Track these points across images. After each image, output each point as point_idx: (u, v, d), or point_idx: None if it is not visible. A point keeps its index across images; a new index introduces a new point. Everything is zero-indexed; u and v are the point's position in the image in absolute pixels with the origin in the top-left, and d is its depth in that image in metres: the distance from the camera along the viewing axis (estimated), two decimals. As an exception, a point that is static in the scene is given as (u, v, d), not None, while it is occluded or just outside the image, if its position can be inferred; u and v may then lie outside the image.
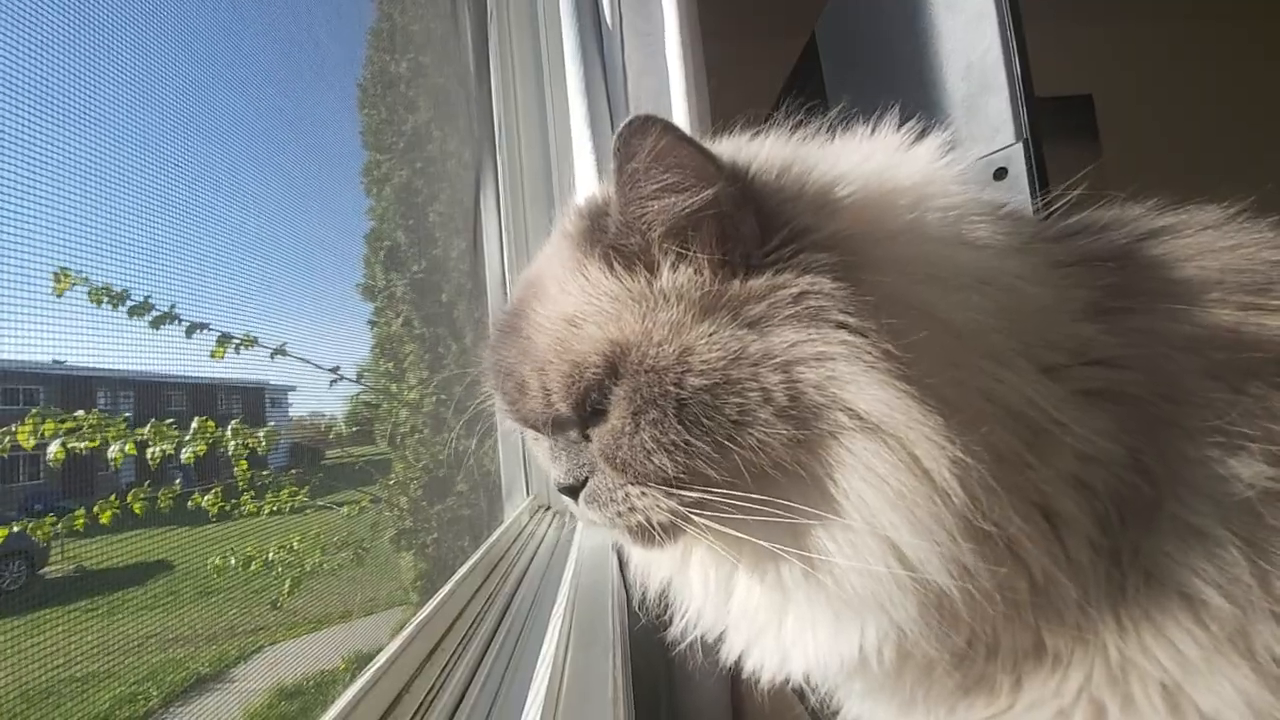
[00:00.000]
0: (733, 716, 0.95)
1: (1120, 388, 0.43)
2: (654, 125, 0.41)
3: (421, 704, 0.51)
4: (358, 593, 1.43)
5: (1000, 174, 0.81)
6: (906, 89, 0.96)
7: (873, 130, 0.53)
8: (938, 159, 0.51)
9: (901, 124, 0.53)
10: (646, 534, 0.46)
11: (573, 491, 0.49)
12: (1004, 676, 0.45)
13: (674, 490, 0.43)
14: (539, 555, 0.94)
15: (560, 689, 0.48)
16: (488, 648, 0.62)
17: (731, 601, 0.51)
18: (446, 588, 0.68)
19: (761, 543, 0.43)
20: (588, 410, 0.46)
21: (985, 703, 0.46)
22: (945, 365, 0.41)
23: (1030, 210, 0.56)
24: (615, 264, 0.46)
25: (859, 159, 0.51)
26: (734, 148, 0.53)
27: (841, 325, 0.41)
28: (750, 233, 0.44)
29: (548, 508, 1.27)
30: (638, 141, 0.42)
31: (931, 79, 0.91)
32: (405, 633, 0.56)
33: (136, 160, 0.78)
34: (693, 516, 0.43)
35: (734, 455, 0.42)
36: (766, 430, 0.41)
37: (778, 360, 0.41)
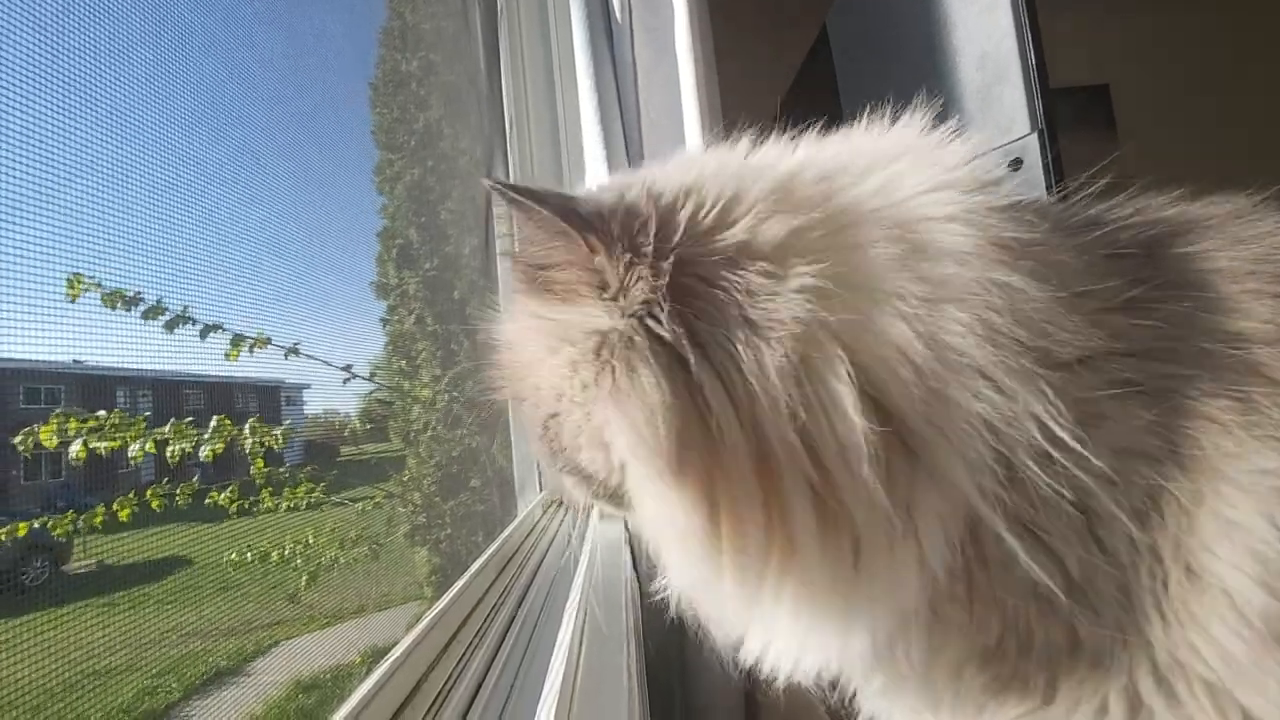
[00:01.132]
0: (746, 711, 0.95)
1: (1155, 380, 0.42)
2: (500, 190, 0.45)
3: (439, 694, 0.51)
4: (373, 588, 1.45)
5: (1015, 165, 0.80)
6: (919, 80, 0.95)
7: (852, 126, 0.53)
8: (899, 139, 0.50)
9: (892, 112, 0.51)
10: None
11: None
12: (1038, 675, 0.44)
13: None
14: (552, 550, 0.94)
15: (575, 681, 0.48)
16: (503, 640, 0.63)
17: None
18: (462, 581, 0.69)
19: None
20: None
21: (1017, 700, 0.45)
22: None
23: (1042, 200, 0.55)
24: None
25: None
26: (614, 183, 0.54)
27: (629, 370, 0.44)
28: (609, 271, 0.45)
29: (560, 502, 1.28)
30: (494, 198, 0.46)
31: (945, 70, 0.90)
32: (422, 625, 0.56)
33: (150, 161, 0.79)
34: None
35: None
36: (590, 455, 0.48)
37: (568, 386, 0.47)
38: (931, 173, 0.46)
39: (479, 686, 0.55)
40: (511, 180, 1.46)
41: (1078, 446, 0.40)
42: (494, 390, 0.54)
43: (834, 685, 0.52)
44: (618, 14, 1.14)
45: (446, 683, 0.53)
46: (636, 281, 0.43)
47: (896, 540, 0.41)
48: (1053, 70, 0.82)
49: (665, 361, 0.42)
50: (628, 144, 1.14)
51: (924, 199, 0.45)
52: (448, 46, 1.86)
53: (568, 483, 0.52)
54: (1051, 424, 0.40)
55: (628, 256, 0.43)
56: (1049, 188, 0.75)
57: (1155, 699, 0.41)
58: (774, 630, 0.46)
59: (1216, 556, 0.39)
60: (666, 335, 0.42)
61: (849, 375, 0.40)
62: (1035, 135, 0.77)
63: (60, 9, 0.66)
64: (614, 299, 0.44)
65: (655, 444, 0.40)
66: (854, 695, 0.54)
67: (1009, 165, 0.81)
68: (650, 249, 0.43)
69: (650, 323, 0.43)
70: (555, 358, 0.46)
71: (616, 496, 0.47)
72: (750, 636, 0.48)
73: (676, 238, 0.44)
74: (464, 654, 0.59)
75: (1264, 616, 0.38)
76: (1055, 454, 0.41)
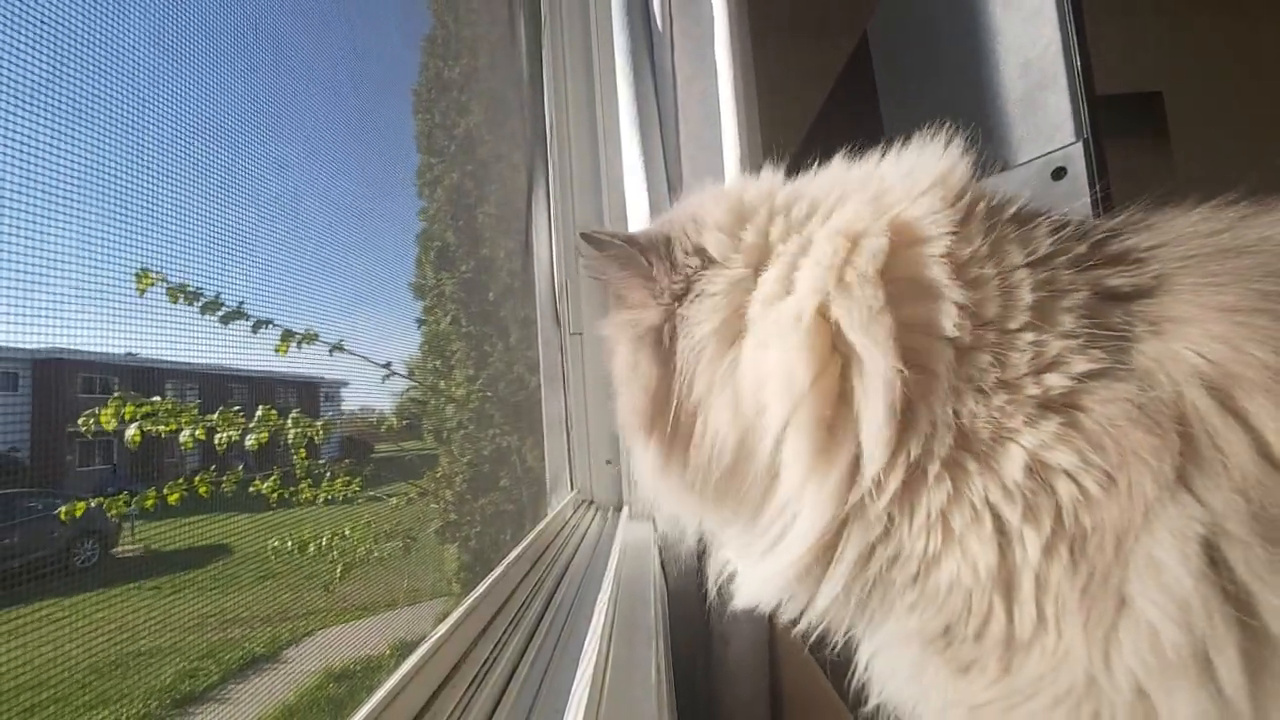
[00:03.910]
0: (771, 710, 0.95)
1: (1095, 406, 0.44)
2: (584, 236, 0.64)
3: (470, 685, 0.52)
4: (404, 582, 1.47)
5: (1059, 174, 0.78)
6: (961, 87, 0.94)
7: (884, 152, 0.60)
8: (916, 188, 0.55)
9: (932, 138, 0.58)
10: None
11: None
12: (993, 662, 0.47)
13: None
14: (582, 548, 0.95)
15: (605, 676, 0.49)
16: (533, 634, 0.64)
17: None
18: (495, 573, 0.70)
19: None
20: None
21: (982, 684, 0.48)
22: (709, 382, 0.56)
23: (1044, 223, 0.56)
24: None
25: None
26: (662, 220, 0.70)
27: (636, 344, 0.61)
28: (663, 280, 0.60)
29: (590, 501, 1.29)
30: (582, 246, 0.64)
31: (987, 77, 0.88)
32: (454, 616, 0.58)
33: (221, 162, 0.83)
34: None
35: None
36: None
37: (624, 370, 0.63)
38: (874, 208, 0.54)
39: (510, 677, 0.56)
40: (550, 184, 1.49)
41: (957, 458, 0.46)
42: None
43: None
44: (658, 22, 1.15)
45: (479, 673, 0.54)
46: (668, 286, 0.60)
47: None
48: (1102, 77, 0.80)
49: (661, 343, 0.59)
50: (665, 151, 1.15)
51: (855, 228, 0.53)
52: (490, 54, 1.90)
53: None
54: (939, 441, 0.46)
55: (666, 265, 0.61)
56: (1093, 199, 0.74)
57: (1087, 713, 0.44)
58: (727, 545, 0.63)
59: (1146, 596, 0.41)
60: (664, 324, 0.59)
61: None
62: (1080, 144, 0.76)
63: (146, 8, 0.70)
64: (657, 298, 0.61)
65: (640, 405, 0.60)
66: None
67: (1051, 174, 0.80)
68: (676, 263, 0.60)
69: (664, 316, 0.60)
70: (622, 347, 0.64)
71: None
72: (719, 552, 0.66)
73: (690, 254, 0.60)
74: (495, 646, 0.59)
75: (1176, 650, 0.40)
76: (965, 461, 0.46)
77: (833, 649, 0.57)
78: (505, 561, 0.74)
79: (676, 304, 0.59)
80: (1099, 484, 0.43)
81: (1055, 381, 0.45)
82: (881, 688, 0.56)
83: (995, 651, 0.47)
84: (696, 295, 0.58)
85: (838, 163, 0.62)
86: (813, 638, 0.56)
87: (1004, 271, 0.49)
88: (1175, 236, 0.49)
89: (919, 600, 0.49)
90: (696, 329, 0.56)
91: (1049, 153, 0.80)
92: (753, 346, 0.54)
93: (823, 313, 0.50)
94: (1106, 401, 0.44)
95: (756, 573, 0.56)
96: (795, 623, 0.57)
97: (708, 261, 0.59)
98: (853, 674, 0.58)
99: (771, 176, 0.65)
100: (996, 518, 0.45)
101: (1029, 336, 0.46)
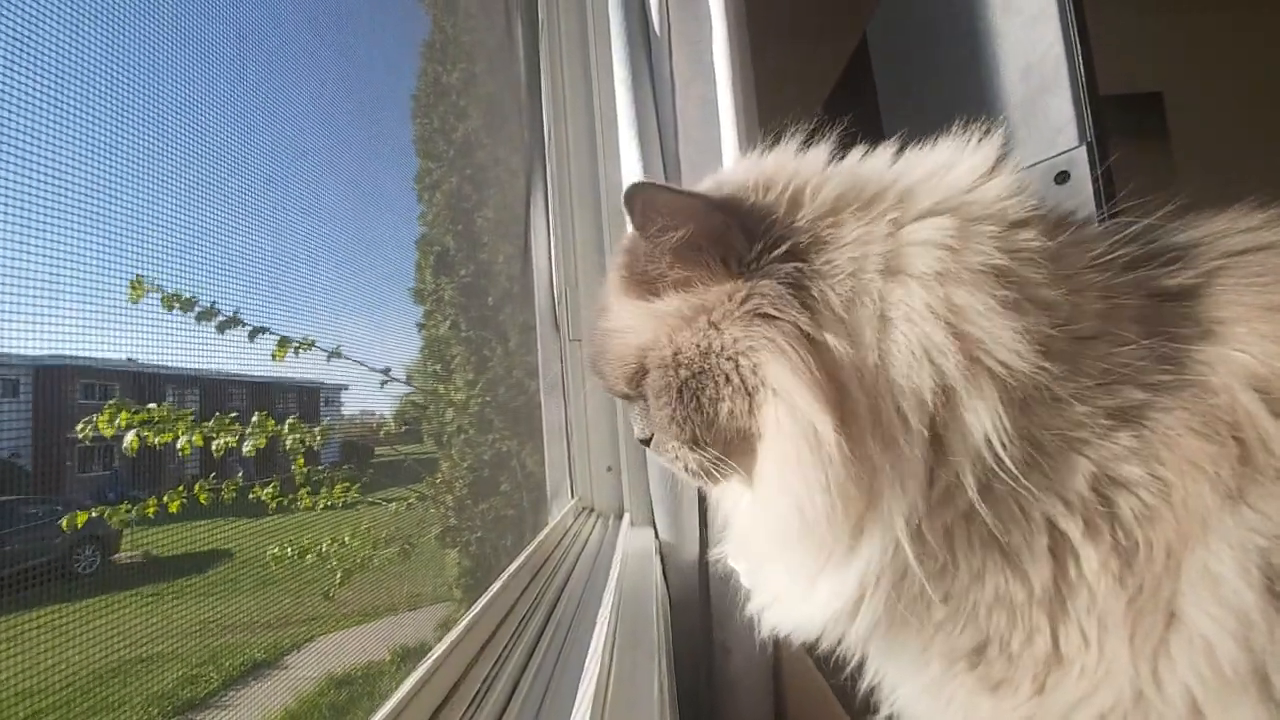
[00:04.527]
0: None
1: (1157, 415, 0.43)
2: (643, 187, 0.53)
3: (470, 705, 0.52)
4: (404, 587, 1.47)
5: (1062, 178, 0.78)
6: (961, 90, 0.94)
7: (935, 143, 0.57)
8: (975, 172, 0.52)
9: (961, 132, 0.55)
10: (694, 474, 0.58)
11: (646, 443, 0.63)
12: (1026, 681, 0.46)
13: (695, 448, 0.56)
14: (583, 558, 0.94)
15: (607, 694, 0.49)
16: (534, 650, 0.63)
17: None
18: (497, 584, 0.69)
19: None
20: (639, 391, 0.60)
21: (1012, 704, 0.47)
22: (852, 366, 0.48)
23: (1094, 219, 0.54)
24: (639, 291, 0.59)
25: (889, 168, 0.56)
26: (715, 181, 0.64)
27: (772, 319, 0.50)
28: (741, 247, 0.53)
29: (591, 509, 1.28)
30: (633, 200, 0.53)
31: (987, 80, 0.88)
32: (453, 634, 0.57)
33: (214, 171, 0.83)
34: (709, 466, 0.56)
35: (717, 423, 0.54)
36: (731, 403, 0.52)
37: (728, 352, 0.52)
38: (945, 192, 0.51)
39: (510, 696, 0.56)
40: (549, 188, 1.48)
41: (1015, 473, 0.43)
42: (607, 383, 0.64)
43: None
44: (656, 26, 1.14)
45: (479, 691, 0.54)
46: (766, 249, 0.52)
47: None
48: (1101, 77, 0.79)
49: (798, 306, 0.50)
50: (664, 154, 1.14)
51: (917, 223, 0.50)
52: (488, 58, 1.90)
53: (683, 439, 0.57)
54: (998, 447, 0.43)
55: (760, 228, 0.53)
56: (1099, 203, 0.73)
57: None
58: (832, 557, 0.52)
59: (1193, 604, 0.40)
60: (790, 288, 0.50)
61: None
62: (1083, 148, 0.75)
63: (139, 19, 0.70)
64: (751, 263, 0.53)
65: (804, 368, 0.48)
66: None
67: (1055, 179, 0.79)
68: (767, 224, 0.53)
69: (781, 279, 0.51)
70: (692, 327, 0.55)
71: (738, 437, 0.54)
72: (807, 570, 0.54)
73: (779, 215, 0.54)
74: (499, 658, 0.59)
75: (1235, 666, 0.39)
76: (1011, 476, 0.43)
77: (838, 662, 0.56)
78: (505, 574, 0.73)
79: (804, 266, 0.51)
80: (1158, 496, 0.42)
81: (1128, 392, 0.43)
82: (894, 703, 0.55)
83: (1031, 670, 0.46)
84: (827, 263, 0.50)
85: (866, 156, 0.58)
86: (832, 654, 0.55)
87: (1073, 273, 0.47)
88: (1211, 236, 0.48)
89: (948, 618, 0.48)
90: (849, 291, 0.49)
91: (1052, 157, 0.79)
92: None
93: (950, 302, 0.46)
94: (1167, 410, 0.43)
95: (818, 595, 0.52)
96: (814, 645, 0.55)
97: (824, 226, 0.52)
98: (853, 680, 0.58)
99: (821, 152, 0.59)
100: (1054, 532, 0.44)
101: (1099, 343, 0.45)
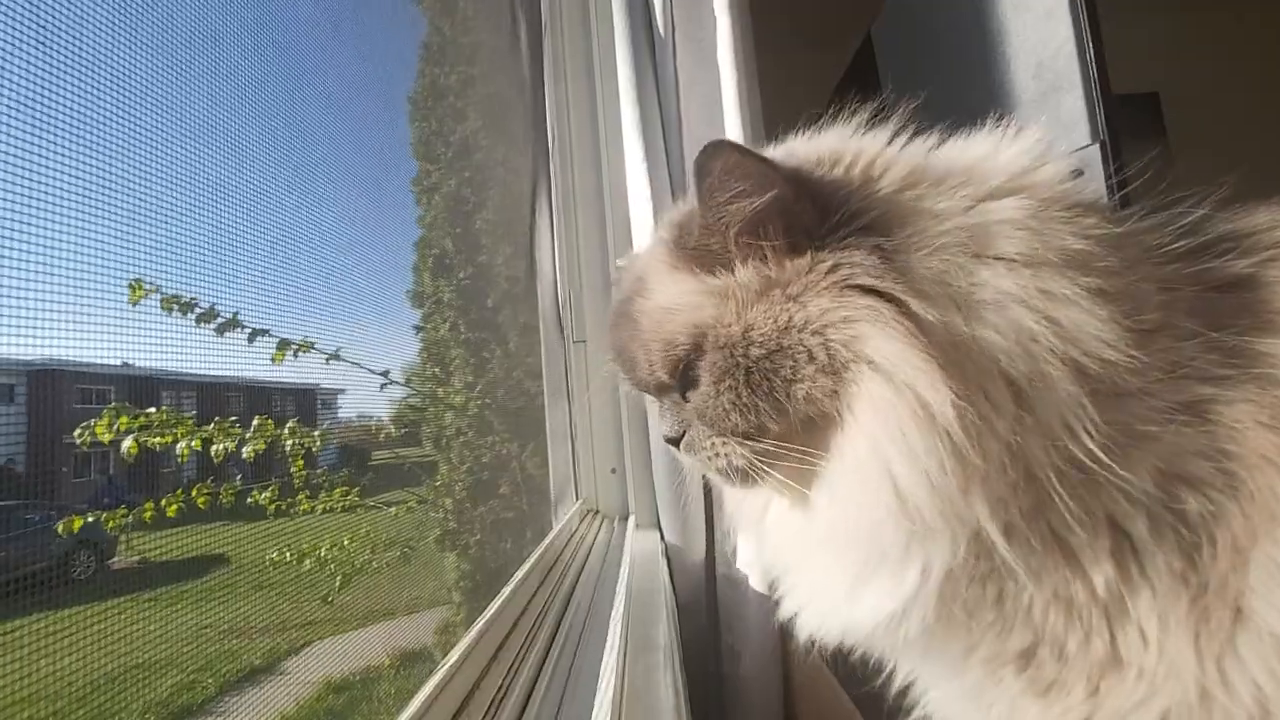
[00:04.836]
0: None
1: (1222, 409, 0.42)
2: (724, 146, 0.49)
3: (490, 703, 0.51)
4: (403, 591, 1.46)
5: (1075, 177, 0.77)
6: (971, 89, 0.94)
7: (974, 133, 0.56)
8: (1028, 155, 0.52)
9: (995, 125, 0.55)
10: (729, 475, 0.54)
11: (675, 442, 0.58)
12: (1079, 684, 0.45)
13: (746, 441, 0.52)
14: (590, 561, 0.94)
15: (622, 699, 0.48)
16: (548, 652, 0.62)
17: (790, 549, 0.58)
18: (505, 593, 0.68)
19: (807, 491, 0.52)
20: (683, 378, 0.56)
21: (1062, 707, 0.46)
22: (953, 341, 0.45)
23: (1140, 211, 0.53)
24: (696, 265, 0.55)
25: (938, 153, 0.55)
26: (786, 150, 0.61)
27: (866, 290, 0.47)
28: (811, 220, 0.50)
29: (596, 511, 1.28)
30: (712, 161, 0.49)
31: (998, 79, 0.88)
32: (465, 641, 0.56)
33: (218, 170, 0.82)
34: (759, 464, 0.52)
35: (789, 409, 0.50)
36: (811, 384, 0.49)
37: (814, 325, 0.49)
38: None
39: (525, 704, 0.54)
40: (553, 188, 1.47)
41: (1109, 463, 0.41)
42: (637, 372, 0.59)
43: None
44: (660, 27, 1.14)
45: (494, 700, 0.53)
46: (843, 221, 0.49)
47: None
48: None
49: (890, 274, 0.47)
50: (668, 155, 1.14)
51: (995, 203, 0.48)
52: (489, 59, 1.89)
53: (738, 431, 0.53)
54: (1084, 438, 0.41)
55: (835, 200, 0.50)
56: (1112, 202, 0.73)
57: None
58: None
59: (1264, 601, 0.39)
60: (879, 260, 0.47)
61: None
62: (1097, 146, 0.75)
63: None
64: (827, 235, 0.50)
65: (915, 338, 0.45)
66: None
67: (1066, 177, 0.79)
68: (843, 195, 0.51)
69: (870, 250, 0.48)
70: (765, 300, 0.51)
71: (805, 426, 0.51)
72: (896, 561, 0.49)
73: (855, 187, 0.51)
74: (513, 664, 0.58)
75: None
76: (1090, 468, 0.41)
77: (854, 663, 0.55)
78: (515, 579, 0.72)
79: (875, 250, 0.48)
80: (1226, 492, 0.41)
81: (1194, 386, 0.42)
82: (925, 705, 0.54)
83: (1085, 672, 0.45)
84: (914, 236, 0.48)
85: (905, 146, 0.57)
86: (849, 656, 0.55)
87: (1134, 263, 0.46)
88: (1258, 227, 0.47)
89: (999, 619, 0.46)
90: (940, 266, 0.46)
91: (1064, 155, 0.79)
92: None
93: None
94: (1231, 403, 0.42)
95: (867, 598, 0.50)
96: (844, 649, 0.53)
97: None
98: (868, 679, 0.57)
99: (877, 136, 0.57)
100: (1117, 531, 0.43)
101: (1162, 335, 0.44)
